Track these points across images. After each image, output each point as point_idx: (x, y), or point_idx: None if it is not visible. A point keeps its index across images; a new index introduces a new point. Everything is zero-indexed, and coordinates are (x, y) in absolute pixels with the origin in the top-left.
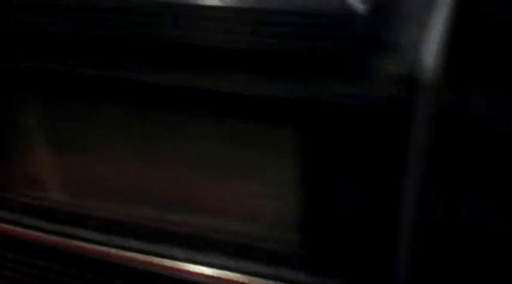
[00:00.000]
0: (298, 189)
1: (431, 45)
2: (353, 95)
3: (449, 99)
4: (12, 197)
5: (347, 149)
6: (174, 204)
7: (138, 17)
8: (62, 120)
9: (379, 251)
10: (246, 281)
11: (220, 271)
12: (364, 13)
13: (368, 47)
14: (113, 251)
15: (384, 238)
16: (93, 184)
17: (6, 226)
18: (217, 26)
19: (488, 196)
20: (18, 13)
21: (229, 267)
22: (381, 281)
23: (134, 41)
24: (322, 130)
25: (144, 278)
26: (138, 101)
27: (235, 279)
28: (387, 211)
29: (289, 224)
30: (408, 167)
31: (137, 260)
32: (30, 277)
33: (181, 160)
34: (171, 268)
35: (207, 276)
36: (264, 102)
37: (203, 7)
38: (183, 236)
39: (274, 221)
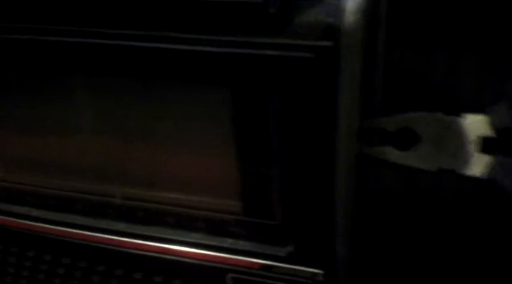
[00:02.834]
0: (235, 152)
1: None
2: (277, 46)
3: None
4: None
5: (279, 106)
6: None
7: None
8: None
9: (322, 217)
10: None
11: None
12: None
13: None
14: (52, 227)
15: (325, 202)
16: (27, 158)
17: None
18: None
19: None
20: None
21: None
22: (325, 253)
23: None
24: (252, 87)
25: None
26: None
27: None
28: (325, 171)
29: (229, 192)
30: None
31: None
32: None
33: (114, 129)
34: (113, 242)
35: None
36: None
37: None
38: (124, 209)
39: (214, 188)
